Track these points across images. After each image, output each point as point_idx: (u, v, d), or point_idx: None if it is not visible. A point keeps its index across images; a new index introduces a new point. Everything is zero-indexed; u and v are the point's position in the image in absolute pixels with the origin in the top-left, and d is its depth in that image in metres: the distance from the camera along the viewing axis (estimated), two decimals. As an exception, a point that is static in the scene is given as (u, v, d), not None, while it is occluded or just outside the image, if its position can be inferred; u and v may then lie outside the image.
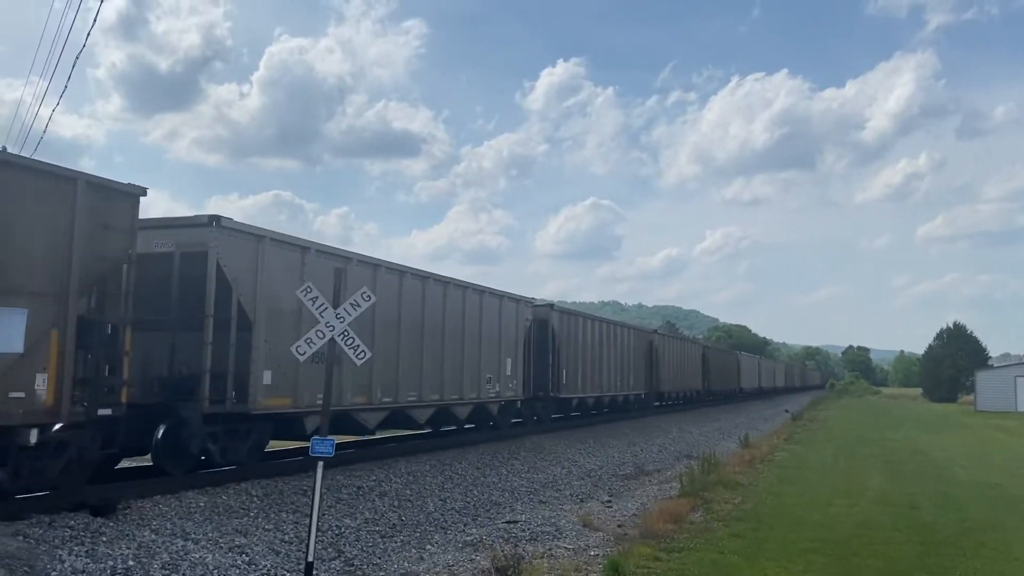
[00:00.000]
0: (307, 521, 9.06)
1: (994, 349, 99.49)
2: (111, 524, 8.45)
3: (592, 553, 11.06)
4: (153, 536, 8.44)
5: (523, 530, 12.28)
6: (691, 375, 41.71)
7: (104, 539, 7.86)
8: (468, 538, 11.55)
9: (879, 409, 67.20)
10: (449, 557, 10.43)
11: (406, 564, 10.10)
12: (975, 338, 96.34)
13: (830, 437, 33.42)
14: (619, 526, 13.01)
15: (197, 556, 8.18)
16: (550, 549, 11.09)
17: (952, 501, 16.09)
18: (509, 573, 9.35)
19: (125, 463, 12.07)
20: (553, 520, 13.13)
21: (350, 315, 9.26)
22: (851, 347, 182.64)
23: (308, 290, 9.34)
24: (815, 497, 16.10)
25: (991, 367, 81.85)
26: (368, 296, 9.42)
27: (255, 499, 10.78)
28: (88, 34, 14.77)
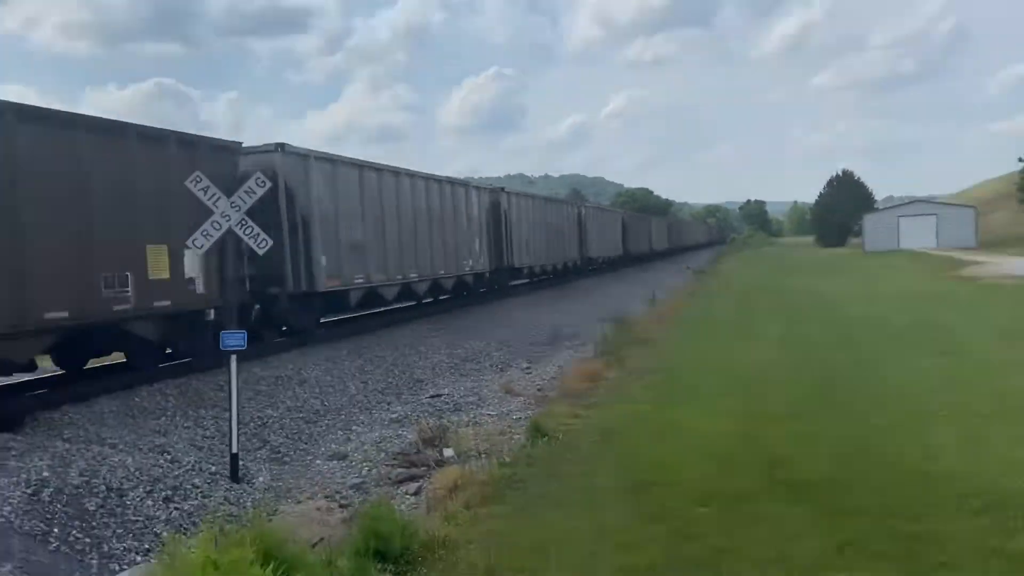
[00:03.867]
0: (227, 416, 9.00)
1: (880, 193, 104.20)
2: (19, 438, 8.18)
3: (515, 416, 11.41)
4: (67, 445, 8.22)
5: (447, 403, 12.53)
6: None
7: (14, 453, 7.60)
8: (393, 415, 11.72)
9: (775, 258, 70.31)
10: (376, 435, 10.59)
11: (333, 446, 10.20)
12: (862, 183, 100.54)
13: (731, 289, 34.94)
14: (539, 390, 13.42)
15: (116, 460, 8.04)
16: (474, 417, 11.38)
17: (845, 338, 17.18)
18: (436, 443, 9.59)
19: (26, 376, 11.59)
20: (475, 390, 13.43)
21: (245, 203, 8.92)
22: (748, 202, 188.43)
23: (198, 179, 8.90)
24: (720, 346, 16.93)
25: (876, 210, 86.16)
26: (263, 182, 9.06)
27: (170, 399, 10.59)
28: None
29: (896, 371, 12.97)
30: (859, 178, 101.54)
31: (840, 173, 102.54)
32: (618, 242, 46.11)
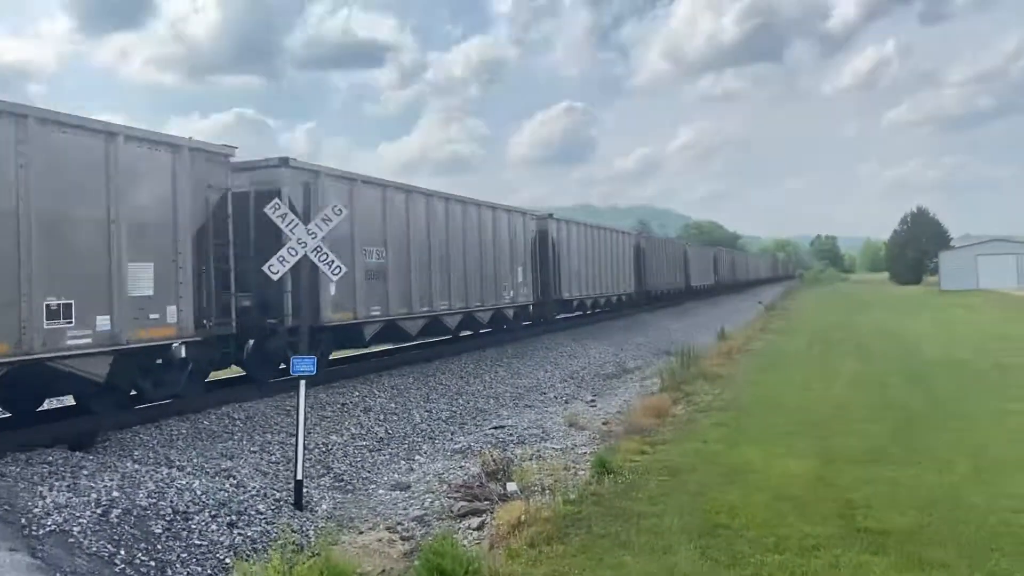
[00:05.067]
0: (293, 441, 9.02)
1: (956, 231, 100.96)
2: (91, 457, 8.32)
3: (580, 451, 11.19)
4: (136, 466, 8.34)
5: (510, 434, 12.38)
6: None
7: (85, 472, 7.74)
8: (456, 446, 11.62)
9: (848, 295, 68.46)
10: (439, 465, 10.49)
11: (396, 476, 10.14)
12: (937, 221, 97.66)
13: (803, 324, 34.05)
14: (604, 424, 13.17)
15: (184, 482, 8.11)
16: (538, 451, 11.19)
17: (922, 379, 16.50)
18: (499, 476, 9.44)
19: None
20: (539, 423, 13.26)
21: (321, 230, 9.03)
22: (819, 236, 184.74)
23: (277, 207, 9.05)
24: (792, 383, 16.42)
25: (953, 248, 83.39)
26: (340, 210, 9.17)
27: (238, 422, 10.70)
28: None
29: (978, 416, 12.36)
30: (934, 215, 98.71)
31: (915, 209, 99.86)
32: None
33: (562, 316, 27.12)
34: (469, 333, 20.52)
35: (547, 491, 8.88)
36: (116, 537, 6.74)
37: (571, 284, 26.36)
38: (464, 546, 7.00)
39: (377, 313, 14.55)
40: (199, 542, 7.15)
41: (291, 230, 8.97)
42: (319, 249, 9.00)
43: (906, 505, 7.91)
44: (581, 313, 28.99)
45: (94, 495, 7.24)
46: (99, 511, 7.00)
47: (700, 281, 50.18)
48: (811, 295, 70.22)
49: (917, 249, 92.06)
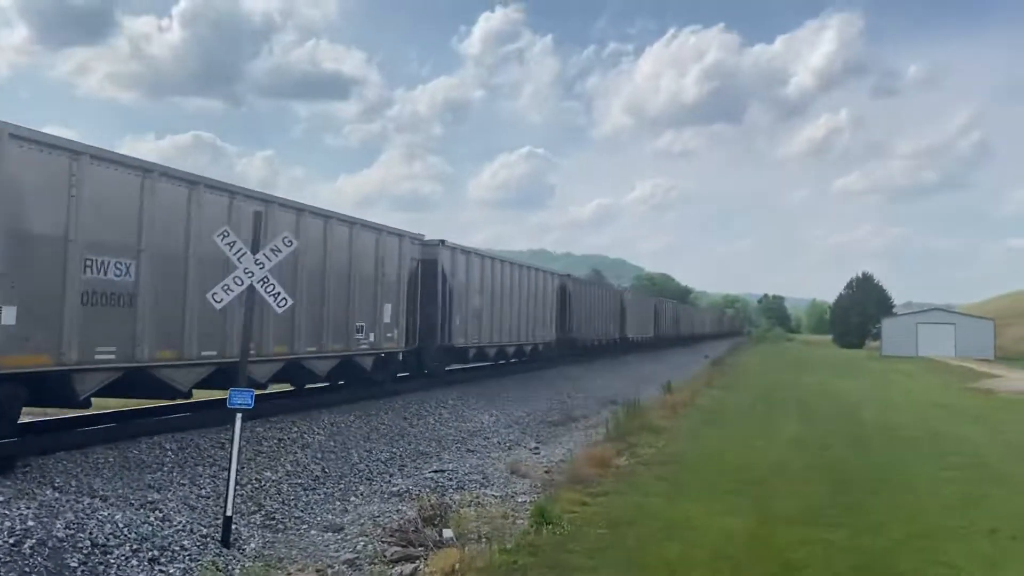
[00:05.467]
0: (225, 475, 8.73)
1: (899, 298, 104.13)
2: (8, 483, 7.94)
3: (519, 500, 11.04)
4: (56, 495, 7.97)
5: (450, 479, 12.17)
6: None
7: (0, 499, 7.38)
8: (394, 488, 11.37)
9: (793, 355, 69.63)
10: (374, 508, 10.24)
11: (330, 516, 9.87)
12: (881, 287, 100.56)
13: (748, 382, 34.43)
14: (546, 472, 13.04)
15: (105, 514, 7.77)
16: (477, 497, 11.01)
17: (861, 442, 16.75)
18: (436, 522, 9.24)
19: (34, 416, 11.38)
20: (480, 468, 13.08)
21: (271, 260, 8.86)
22: (767, 295, 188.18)
23: (225, 234, 8.87)
24: (734, 440, 16.51)
25: (895, 315, 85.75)
26: (290, 241, 9.02)
27: (169, 453, 10.34)
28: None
29: (912, 482, 12.56)
30: (879, 281, 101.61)
31: (860, 275, 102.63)
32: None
33: (453, 368, 22.89)
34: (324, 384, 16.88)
35: (484, 539, 8.71)
36: (27, 570, 6.40)
37: (467, 328, 21.90)
38: (394, 594, 6.79)
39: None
40: (116, 578, 6.82)
41: (239, 259, 8.79)
42: (266, 280, 8.83)
43: (841, 568, 7.95)
44: (480, 364, 24.60)
45: (7, 523, 6.89)
46: (11, 541, 6.65)
47: (638, 333, 47.50)
48: (757, 353, 71.21)
49: (861, 314, 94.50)
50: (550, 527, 9.10)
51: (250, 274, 8.77)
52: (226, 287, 8.78)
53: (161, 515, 8.39)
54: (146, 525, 7.92)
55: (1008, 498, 11.45)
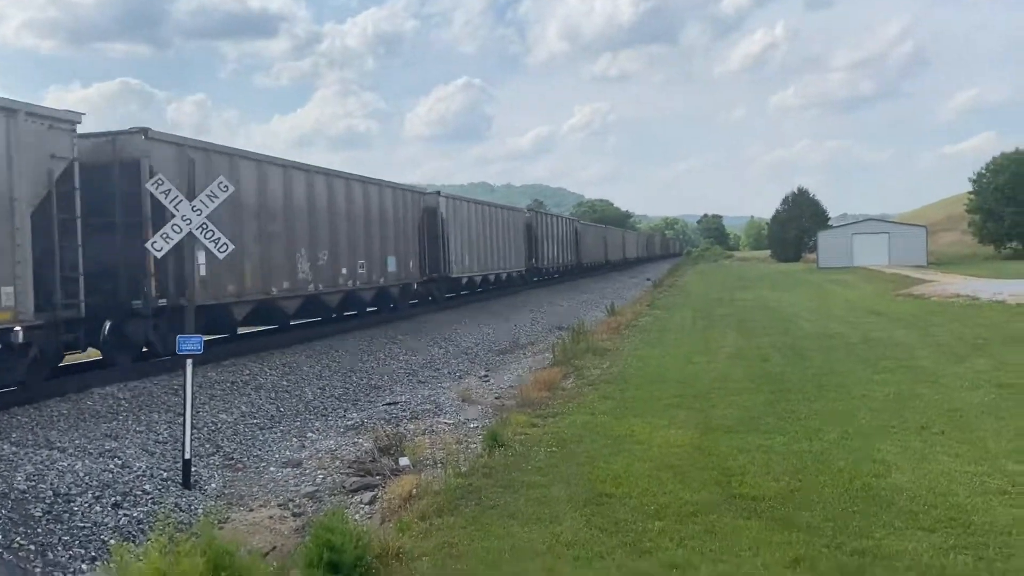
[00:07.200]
0: (181, 420, 8.86)
1: (835, 210, 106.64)
2: (-37, 441, 7.98)
3: (472, 425, 11.40)
4: (14, 448, 8.03)
5: (403, 410, 12.47)
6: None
7: (-42, 456, 7.42)
8: (349, 422, 11.63)
9: (732, 272, 71.17)
10: (331, 442, 10.50)
11: (288, 453, 10.10)
12: (817, 201, 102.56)
13: (688, 300, 35.28)
14: (496, 398, 13.43)
15: (65, 464, 7.87)
16: (431, 425, 11.34)
17: (798, 351, 17.44)
18: (392, 451, 9.54)
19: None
20: (432, 398, 13.39)
21: (207, 207, 8.82)
22: (706, 215, 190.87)
23: (160, 183, 8.78)
24: (676, 356, 17.08)
25: (831, 227, 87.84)
26: (225, 186, 8.97)
27: (123, 402, 10.40)
28: None
29: (847, 386, 13.21)
30: (814, 195, 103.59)
31: (796, 190, 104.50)
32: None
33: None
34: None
35: (439, 464, 9.04)
36: (-9, 522, 6.51)
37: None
38: (355, 520, 7.09)
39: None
40: (82, 524, 6.98)
41: (175, 207, 8.73)
42: (205, 226, 8.80)
43: (778, 472, 8.39)
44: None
45: (-34, 480, 6.96)
46: (-28, 496, 6.74)
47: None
48: (697, 272, 72.65)
49: (797, 228, 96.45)
50: (502, 449, 9.47)
51: (188, 221, 8.72)
52: (165, 235, 8.73)
53: (120, 462, 8.51)
54: (106, 472, 8.05)
55: (937, 397, 12.08)
